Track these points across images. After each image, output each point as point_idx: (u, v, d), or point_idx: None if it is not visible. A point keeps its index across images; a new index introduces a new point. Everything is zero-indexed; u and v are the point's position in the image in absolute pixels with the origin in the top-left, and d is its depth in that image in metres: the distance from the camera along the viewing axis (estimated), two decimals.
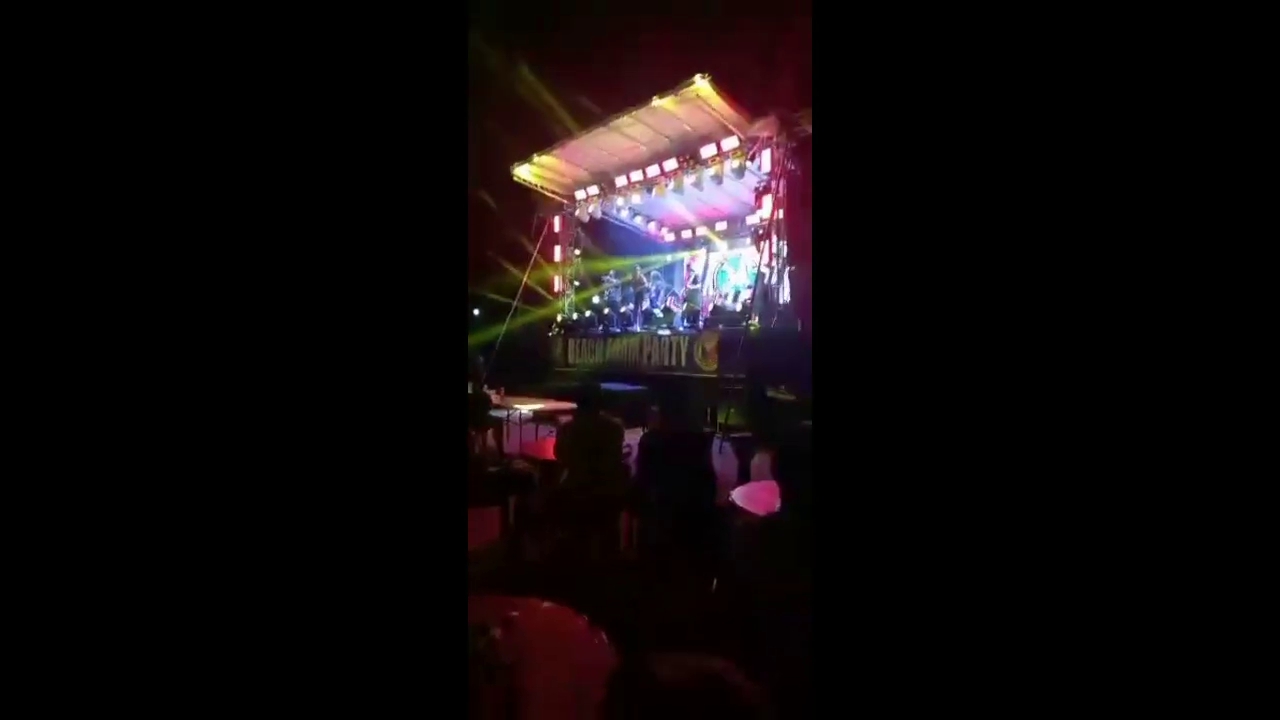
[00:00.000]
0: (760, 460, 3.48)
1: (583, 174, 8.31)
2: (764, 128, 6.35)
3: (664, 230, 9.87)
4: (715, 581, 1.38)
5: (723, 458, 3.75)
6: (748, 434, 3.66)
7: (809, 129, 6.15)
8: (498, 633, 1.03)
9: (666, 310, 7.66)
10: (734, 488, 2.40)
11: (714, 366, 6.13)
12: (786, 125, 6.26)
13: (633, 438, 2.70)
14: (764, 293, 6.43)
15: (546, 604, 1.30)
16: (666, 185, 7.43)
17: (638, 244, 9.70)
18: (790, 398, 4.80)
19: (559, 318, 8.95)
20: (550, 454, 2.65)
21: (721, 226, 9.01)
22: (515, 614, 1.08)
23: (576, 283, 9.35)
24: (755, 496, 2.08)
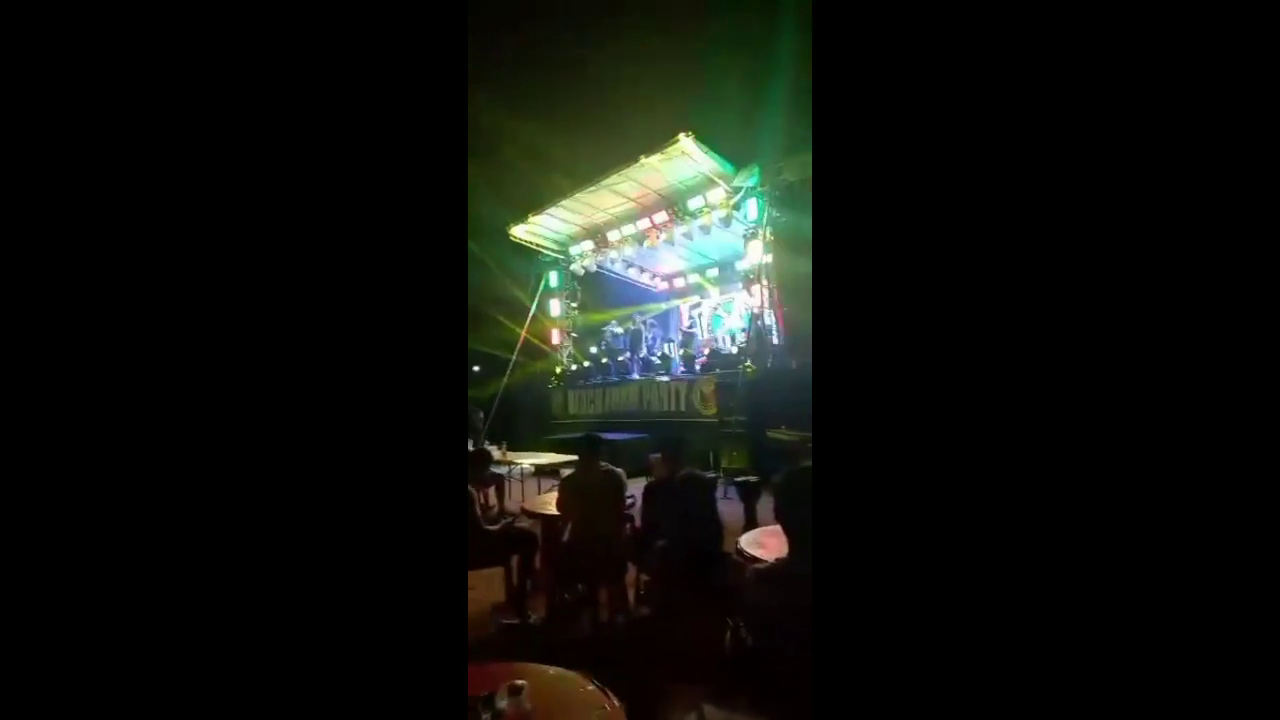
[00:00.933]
0: (765, 503, 3.42)
1: (577, 230, 8.57)
2: (748, 178, 6.64)
3: (658, 280, 10.09)
4: (729, 633, 1.33)
5: (727, 502, 3.69)
6: (752, 477, 3.61)
7: (790, 177, 6.42)
8: (505, 703, 0.99)
9: (664, 357, 7.72)
10: (740, 533, 2.35)
11: (714, 410, 6.11)
12: (769, 174, 6.55)
13: (636, 487, 2.66)
14: (758, 334, 6.51)
15: (554, 669, 1.25)
16: (658, 237, 7.67)
17: (633, 294, 9.90)
18: (791, 438, 4.77)
19: (558, 370, 9.00)
20: (553, 508, 2.60)
21: (713, 273, 9.22)
22: (522, 682, 1.04)
23: (574, 335, 9.46)
24: (763, 541, 2.03)
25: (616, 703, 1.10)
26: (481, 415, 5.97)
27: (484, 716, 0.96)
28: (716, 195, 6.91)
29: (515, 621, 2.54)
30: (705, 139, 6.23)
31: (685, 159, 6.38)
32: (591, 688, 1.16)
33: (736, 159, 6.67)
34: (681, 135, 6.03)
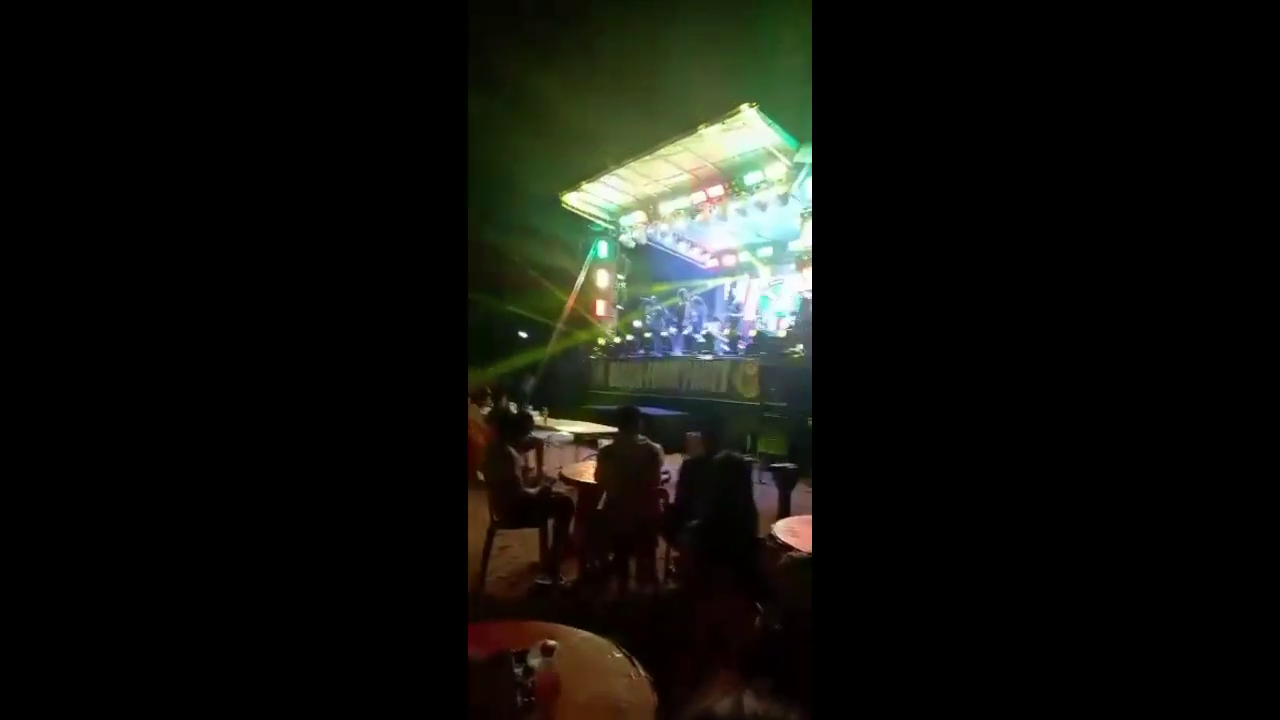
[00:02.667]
0: (801, 491, 3.38)
1: (629, 200, 8.49)
2: (811, 154, 6.35)
3: (708, 256, 9.91)
4: (759, 618, 1.33)
5: (762, 488, 3.66)
6: (789, 464, 3.56)
7: None
8: (537, 661, 1.03)
9: (708, 336, 7.64)
10: (774, 519, 2.33)
11: (755, 393, 6.03)
12: None
13: (672, 464, 2.68)
14: (809, 320, 6.33)
15: (582, 633, 1.29)
16: (711, 211, 7.49)
17: (681, 269, 9.78)
18: None
19: (601, 341, 9.07)
20: (590, 476, 2.66)
21: (766, 252, 8.97)
22: (555, 642, 1.08)
23: (620, 306, 9.47)
24: (796, 530, 2.01)
25: (642, 672, 1.13)
26: (531, 380, 6.11)
27: (516, 671, 1.01)
28: (776, 171, 6.65)
29: (548, 582, 2.64)
30: (769, 111, 5.96)
31: (746, 131, 6.14)
32: (619, 655, 1.20)
33: (801, 133, 6.37)
34: (744, 105, 5.79)
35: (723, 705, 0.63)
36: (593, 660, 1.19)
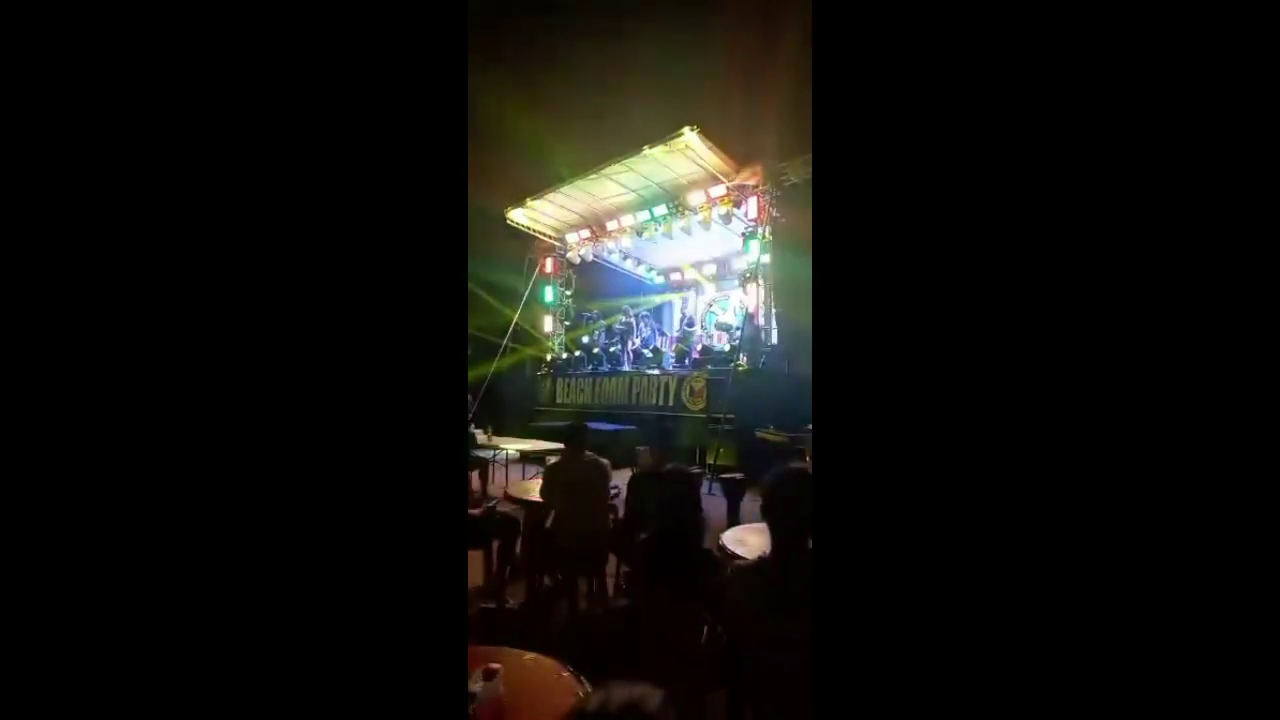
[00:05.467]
0: (750, 501, 3.44)
1: (575, 218, 8.51)
2: (750, 176, 6.62)
3: (654, 272, 10.06)
4: (705, 629, 1.33)
5: (711, 498, 3.70)
6: (737, 475, 3.62)
7: (793, 178, 6.42)
8: (479, 686, 0.98)
9: (656, 350, 7.72)
10: (724, 529, 2.36)
11: (701, 406, 6.13)
12: (772, 174, 6.54)
13: (621, 478, 2.66)
14: (753, 334, 6.52)
15: (529, 655, 1.24)
16: (656, 230, 7.64)
17: (628, 285, 9.86)
18: (779, 438, 4.78)
19: (549, 357, 8.96)
20: (536, 495, 2.60)
21: (710, 270, 9.21)
22: (497, 665, 1.03)
23: (566, 322, 9.42)
24: (745, 539, 2.04)
25: (590, 689, 1.10)
26: (470, 398, 5.94)
27: None
28: (718, 192, 6.88)
29: (492, 606, 2.53)
30: (710, 135, 6.19)
31: (689, 153, 6.34)
32: (566, 674, 1.16)
33: (740, 157, 6.65)
34: (686, 129, 5.98)
35: (592, 702, 0.63)
36: (539, 681, 1.15)
